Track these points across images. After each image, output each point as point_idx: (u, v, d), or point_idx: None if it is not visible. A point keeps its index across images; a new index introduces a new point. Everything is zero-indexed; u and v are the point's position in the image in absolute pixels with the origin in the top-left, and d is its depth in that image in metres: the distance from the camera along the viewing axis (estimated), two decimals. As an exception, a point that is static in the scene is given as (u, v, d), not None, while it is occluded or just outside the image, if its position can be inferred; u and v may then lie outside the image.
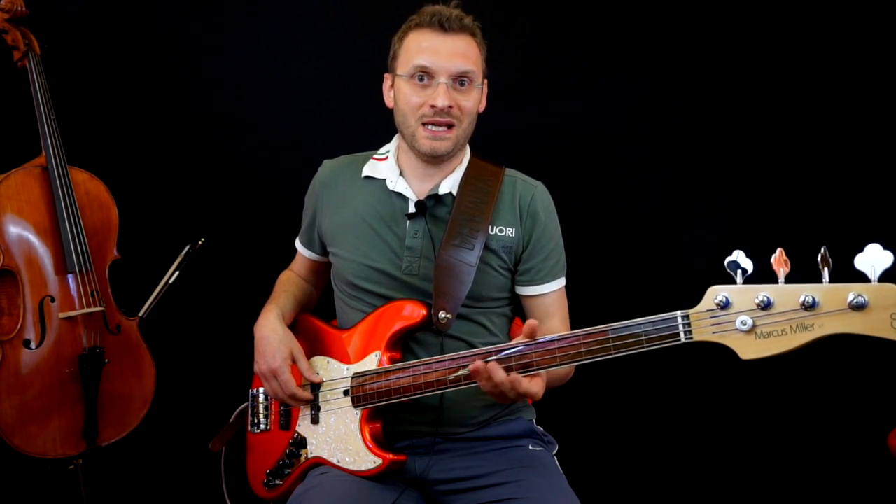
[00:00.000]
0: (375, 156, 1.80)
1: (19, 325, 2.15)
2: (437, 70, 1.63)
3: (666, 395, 2.60)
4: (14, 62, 2.32)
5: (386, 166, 1.76)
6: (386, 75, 1.75)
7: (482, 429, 1.74)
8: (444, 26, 1.64)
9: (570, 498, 1.59)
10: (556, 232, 1.78)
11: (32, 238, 2.20)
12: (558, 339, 1.43)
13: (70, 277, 2.24)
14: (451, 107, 1.63)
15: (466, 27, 1.67)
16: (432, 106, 1.62)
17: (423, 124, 1.64)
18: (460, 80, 1.65)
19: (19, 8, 2.30)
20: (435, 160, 1.70)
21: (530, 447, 1.74)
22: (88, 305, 2.25)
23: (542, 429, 1.83)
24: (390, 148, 1.80)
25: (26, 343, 2.16)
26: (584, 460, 2.08)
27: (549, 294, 1.75)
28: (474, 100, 1.68)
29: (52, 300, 2.20)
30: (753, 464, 2.57)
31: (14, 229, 2.17)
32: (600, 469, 2.52)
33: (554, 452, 1.79)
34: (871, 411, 2.38)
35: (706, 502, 2.58)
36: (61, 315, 2.20)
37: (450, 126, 1.65)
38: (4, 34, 2.30)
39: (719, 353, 1.28)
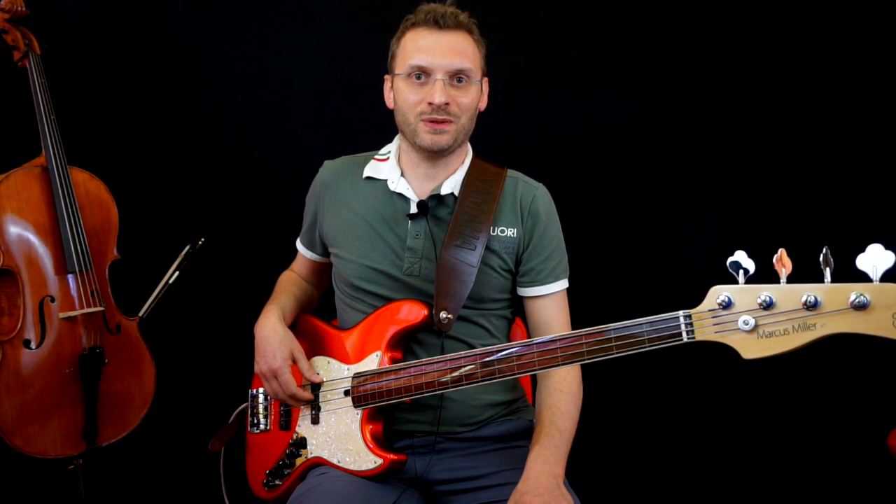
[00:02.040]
0: (377, 156, 1.80)
1: (19, 325, 2.15)
2: (433, 67, 1.63)
3: (667, 394, 2.60)
4: (14, 62, 2.32)
5: (387, 167, 1.76)
6: (386, 77, 1.76)
7: (482, 428, 1.74)
8: (439, 23, 1.64)
9: (570, 498, 1.59)
10: (558, 233, 1.78)
11: (32, 238, 2.20)
12: (560, 339, 1.43)
13: (70, 277, 2.24)
14: (447, 103, 1.62)
15: (462, 24, 1.66)
16: (430, 103, 1.62)
17: (423, 120, 1.64)
18: (457, 76, 1.64)
19: (19, 8, 2.30)
20: (436, 156, 1.70)
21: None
22: (88, 305, 2.25)
23: (542, 429, 1.83)
24: (391, 149, 1.80)
25: (26, 343, 2.16)
26: (584, 460, 2.07)
27: (550, 295, 1.74)
28: (472, 97, 1.67)
29: (52, 300, 2.20)
30: (754, 464, 2.57)
31: (14, 229, 2.17)
32: (600, 469, 2.52)
33: (554, 453, 1.79)
34: (871, 411, 2.38)
35: (706, 502, 2.58)
36: (61, 315, 2.20)
37: (447, 122, 1.65)
38: (4, 34, 2.31)
39: (720, 353, 1.28)
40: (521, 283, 1.75)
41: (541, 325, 1.74)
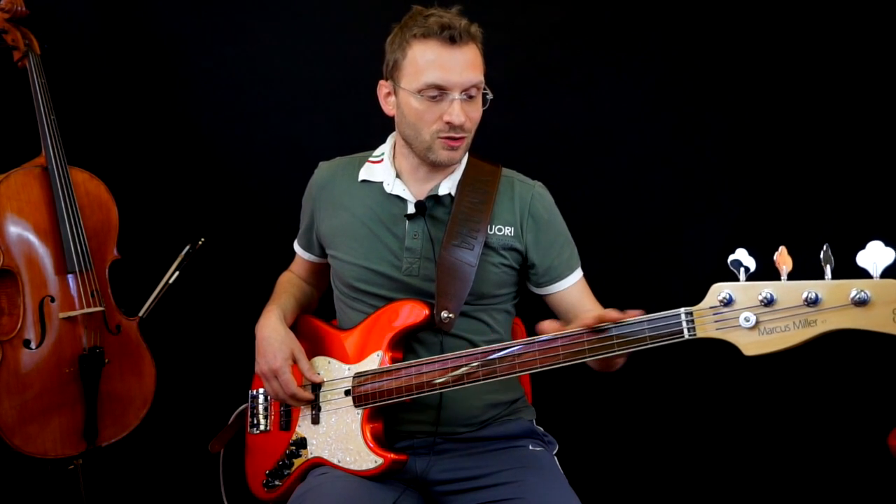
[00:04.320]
0: (370, 158, 1.80)
1: (19, 325, 2.15)
2: (450, 86, 1.58)
3: (667, 393, 2.59)
4: (14, 62, 2.31)
5: (381, 169, 1.76)
6: (382, 82, 1.71)
7: (482, 429, 1.74)
8: (454, 39, 1.58)
9: (570, 498, 1.59)
10: (562, 226, 1.79)
11: (32, 238, 2.20)
12: (561, 338, 1.43)
13: (70, 277, 2.23)
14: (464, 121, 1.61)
15: (472, 35, 1.62)
16: (447, 122, 1.60)
17: (440, 138, 1.62)
18: (469, 92, 1.61)
19: (19, 8, 2.30)
20: (444, 166, 1.69)
21: (530, 447, 1.74)
22: (88, 305, 2.25)
23: (542, 429, 1.83)
24: (385, 150, 1.79)
25: (26, 343, 2.15)
26: (584, 460, 2.07)
27: (572, 286, 1.76)
28: (480, 108, 1.66)
29: (52, 300, 2.20)
30: (754, 463, 2.57)
31: (14, 229, 2.17)
32: (600, 469, 2.52)
33: (554, 452, 1.79)
34: (871, 411, 2.38)
35: (706, 502, 2.58)
36: (61, 315, 2.20)
37: (462, 138, 1.64)
38: (4, 34, 2.30)
39: (722, 350, 1.28)
40: (540, 283, 1.75)
41: (570, 310, 1.75)
